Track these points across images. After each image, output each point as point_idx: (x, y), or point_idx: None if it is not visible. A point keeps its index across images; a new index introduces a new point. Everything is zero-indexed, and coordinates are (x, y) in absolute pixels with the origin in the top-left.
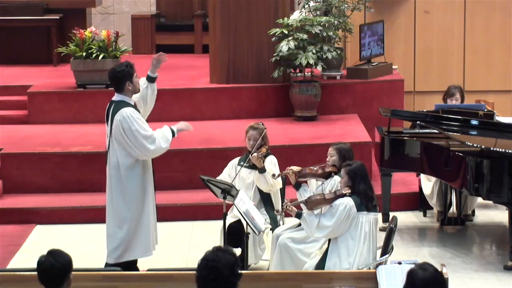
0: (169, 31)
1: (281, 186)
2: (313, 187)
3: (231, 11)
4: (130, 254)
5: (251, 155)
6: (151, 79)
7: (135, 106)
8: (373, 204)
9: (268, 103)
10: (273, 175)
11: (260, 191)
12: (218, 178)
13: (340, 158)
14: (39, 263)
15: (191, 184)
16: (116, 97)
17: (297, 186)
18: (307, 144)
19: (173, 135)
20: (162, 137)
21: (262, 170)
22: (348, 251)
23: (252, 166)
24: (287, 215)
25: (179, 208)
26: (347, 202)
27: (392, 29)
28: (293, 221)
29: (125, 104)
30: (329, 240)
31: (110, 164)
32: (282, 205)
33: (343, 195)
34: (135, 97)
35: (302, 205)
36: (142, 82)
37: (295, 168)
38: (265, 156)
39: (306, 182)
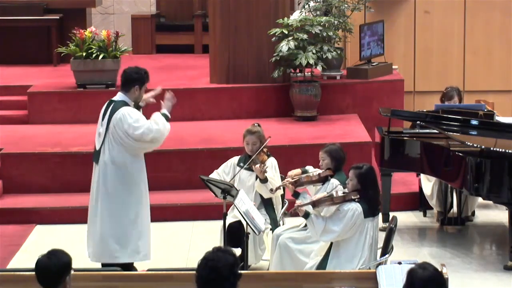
0: (169, 31)
1: (282, 192)
2: (312, 193)
3: (231, 11)
4: (128, 256)
5: (254, 167)
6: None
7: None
8: (378, 208)
9: (268, 103)
10: (271, 189)
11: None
12: (213, 173)
13: (332, 160)
14: (36, 262)
15: (191, 184)
16: (118, 96)
17: (296, 195)
18: (307, 144)
19: (167, 117)
20: (157, 121)
21: (264, 181)
22: (351, 256)
23: (253, 169)
24: (293, 215)
25: (179, 208)
26: (355, 209)
27: (392, 29)
28: (294, 221)
29: (125, 104)
30: (331, 243)
31: (105, 164)
32: (285, 203)
33: (351, 200)
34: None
35: (308, 206)
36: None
37: (295, 172)
38: (267, 156)
39: (305, 189)
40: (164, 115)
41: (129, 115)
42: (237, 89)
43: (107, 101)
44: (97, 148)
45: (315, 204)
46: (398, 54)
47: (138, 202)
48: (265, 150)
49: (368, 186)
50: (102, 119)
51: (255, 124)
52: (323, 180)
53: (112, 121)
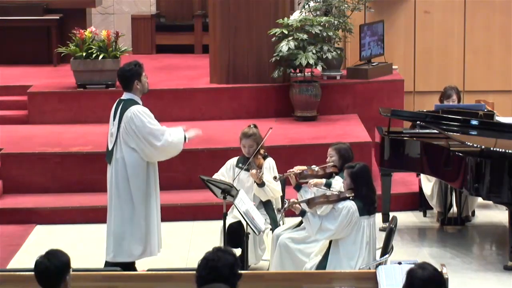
0: (169, 31)
1: (281, 194)
2: (314, 188)
3: (231, 11)
4: (138, 252)
5: (250, 171)
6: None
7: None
8: (374, 206)
9: (268, 103)
10: (274, 177)
11: None
12: (214, 176)
13: (340, 158)
14: (35, 264)
15: (191, 184)
16: (125, 95)
17: (298, 187)
18: (307, 144)
19: (184, 139)
20: (174, 136)
21: (261, 185)
22: (349, 255)
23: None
24: (288, 214)
25: (179, 208)
26: (350, 207)
27: (392, 29)
28: (293, 221)
29: (134, 102)
30: (330, 242)
31: (118, 162)
32: (285, 204)
33: (346, 198)
34: None
35: (304, 205)
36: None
37: (301, 168)
38: (264, 158)
39: (307, 183)
40: (184, 138)
41: (140, 114)
42: (237, 89)
43: (117, 101)
44: (110, 148)
45: (310, 202)
46: (398, 54)
47: (147, 201)
48: (261, 152)
49: (361, 184)
50: (114, 119)
51: (251, 126)
52: (327, 176)
53: (123, 119)
